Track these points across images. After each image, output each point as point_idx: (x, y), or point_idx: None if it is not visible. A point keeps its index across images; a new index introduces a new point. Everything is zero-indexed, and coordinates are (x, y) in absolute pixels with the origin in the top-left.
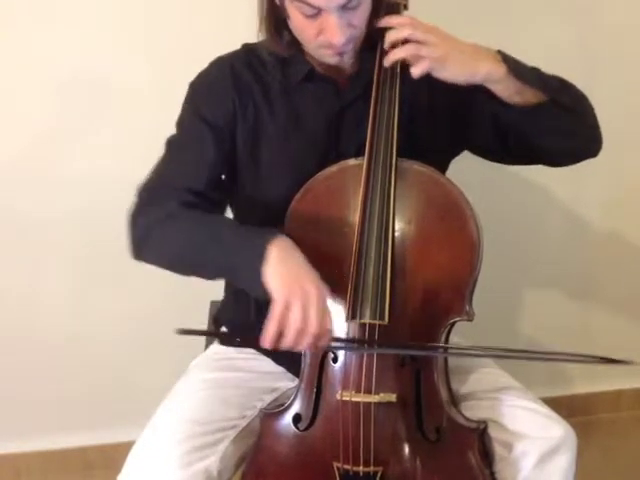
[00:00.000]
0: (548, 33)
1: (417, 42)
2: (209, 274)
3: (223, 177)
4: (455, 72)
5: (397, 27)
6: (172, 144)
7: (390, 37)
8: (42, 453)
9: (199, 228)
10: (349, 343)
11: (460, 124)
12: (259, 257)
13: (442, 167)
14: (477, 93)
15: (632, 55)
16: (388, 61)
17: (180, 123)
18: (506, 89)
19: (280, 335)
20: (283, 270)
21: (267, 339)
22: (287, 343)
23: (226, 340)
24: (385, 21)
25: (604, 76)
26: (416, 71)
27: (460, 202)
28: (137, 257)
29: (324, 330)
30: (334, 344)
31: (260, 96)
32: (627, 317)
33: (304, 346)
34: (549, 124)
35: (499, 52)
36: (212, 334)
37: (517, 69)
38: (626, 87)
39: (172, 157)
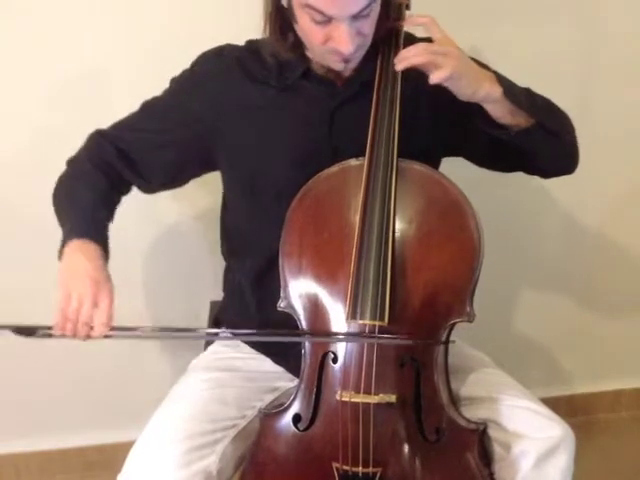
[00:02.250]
0: (548, 36)
1: (436, 52)
2: None
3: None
4: (464, 86)
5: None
6: (142, 107)
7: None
8: (42, 453)
9: (67, 199)
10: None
11: (458, 131)
12: (60, 249)
13: (434, 166)
14: (473, 113)
15: (631, 57)
16: (402, 65)
17: (159, 95)
18: (500, 109)
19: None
20: (68, 265)
21: (55, 328)
22: (69, 331)
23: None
24: (411, 20)
25: (603, 78)
26: (435, 77)
27: (461, 202)
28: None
29: (95, 322)
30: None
31: (255, 93)
32: (627, 318)
33: (81, 334)
34: (536, 145)
35: (495, 73)
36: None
37: (511, 91)
38: (625, 89)
39: (133, 119)
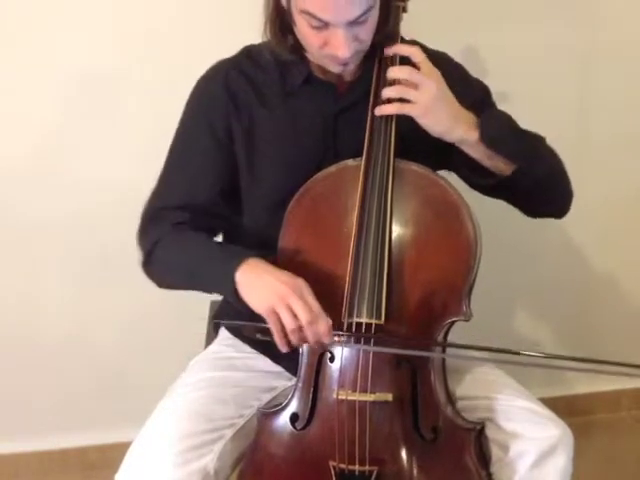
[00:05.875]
0: (547, 36)
1: (411, 85)
2: (203, 292)
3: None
4: (433, 124)
5: (397, 72)
6: (174, 154)
7: (389, 74)
8: (42, 453)
9: (180, 259)
10: (351, 338)
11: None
12: (230, 285)
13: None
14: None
15: (631, 56)
16: (379, 111)
17: (182, 131)
18: (476, 152)
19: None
20: (254, 289)
21: (282, 347)
22: (297, 342)
23: (249, 334)
24: (398, 48)
25: (604, 77)
26: (390, 109)
27: (457, 203)
28: (148, 274)
29: (315, 315)
30: (336, 339)
31: (256, 100)
32: (627, 318)
33: (312, 337)
34: (517, 189)
35: (480, 118)
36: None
37: (490, 138)
38: (626, 88)
39: (172, 170)
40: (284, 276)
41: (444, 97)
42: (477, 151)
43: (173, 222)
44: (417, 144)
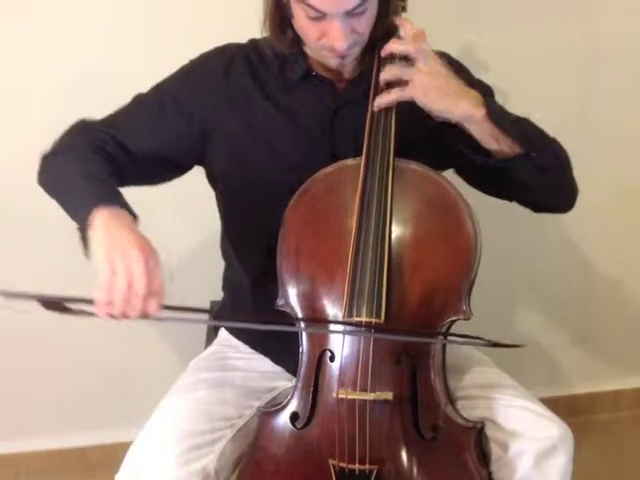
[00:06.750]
0: (548, 35)
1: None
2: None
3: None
4: (435, 101)
5: (401, 46)
6: (136, 99)
7: (388, 46)
8: (42, 453)
9: (72, 174)
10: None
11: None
12: (85, 214)
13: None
14: (455, 132)
15: (633, 55)
16: (379, 104)
17: (157, 88)
18: (482, 132)
19: (110, 303)
20: (105, 235)
21: (98, 308)
22: (117, 310)
23: (52, 305)
24: (405, 24)
25: (606, 75)
26: (388, 97)
27: (457, 201)
28: (39, 166)
29: (151, 291)
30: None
31: (256, 92)
32: (627, 318)
33: (136, 312)
34: (520, 178)
35: (485, 97)
36: (35, 298)
37: (496, 115)
38: (628, 86)
39: (126, 110)
40: (144, 242)
41: (443, 72)
42: (483, 130)
43: (101, 145)
44: (417, 139)
